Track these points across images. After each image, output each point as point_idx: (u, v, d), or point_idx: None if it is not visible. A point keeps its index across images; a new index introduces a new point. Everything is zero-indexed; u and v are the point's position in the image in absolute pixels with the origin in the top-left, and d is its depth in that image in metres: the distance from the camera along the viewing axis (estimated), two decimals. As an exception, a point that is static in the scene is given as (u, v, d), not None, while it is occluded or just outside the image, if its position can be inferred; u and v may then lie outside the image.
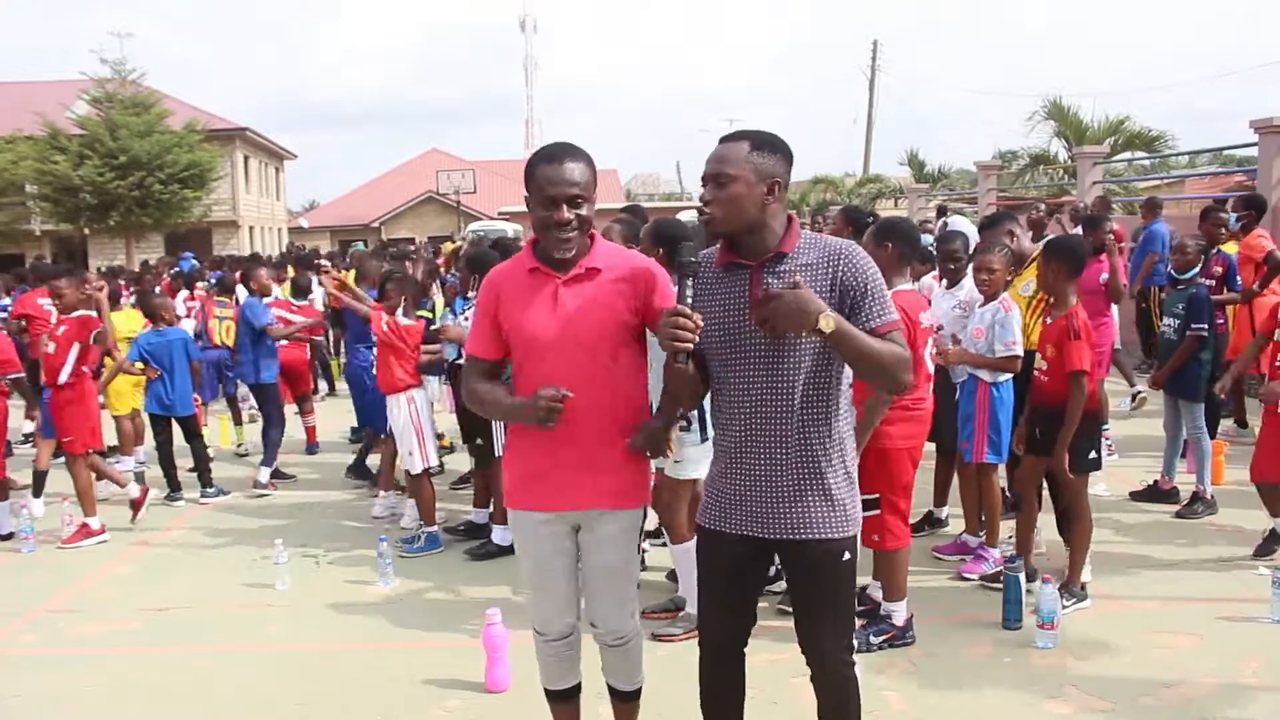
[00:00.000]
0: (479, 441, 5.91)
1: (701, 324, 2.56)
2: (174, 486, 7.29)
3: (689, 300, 2.57)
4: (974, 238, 6.55)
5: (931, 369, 4.62)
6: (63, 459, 6.70)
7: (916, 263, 4.52)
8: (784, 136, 2.66)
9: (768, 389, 2.62)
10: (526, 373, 2.92)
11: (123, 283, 12.36)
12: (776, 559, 3.09)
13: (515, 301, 2.91)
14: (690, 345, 2.54)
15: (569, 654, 3.17)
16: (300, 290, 9.57)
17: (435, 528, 5.96)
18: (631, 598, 3.10)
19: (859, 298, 2.59)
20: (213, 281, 13.45)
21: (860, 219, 5.81)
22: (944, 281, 5.76)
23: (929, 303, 5.02)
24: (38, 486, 6.89)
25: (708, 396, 2.90)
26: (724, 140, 2.68)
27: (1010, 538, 5.43)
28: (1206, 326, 5.99)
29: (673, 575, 5.04)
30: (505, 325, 2.93)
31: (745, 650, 2.91)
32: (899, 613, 4.38)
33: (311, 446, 8.74)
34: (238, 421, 9.09)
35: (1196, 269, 6.35)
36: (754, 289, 2.61)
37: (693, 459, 4.33)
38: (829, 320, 2.43)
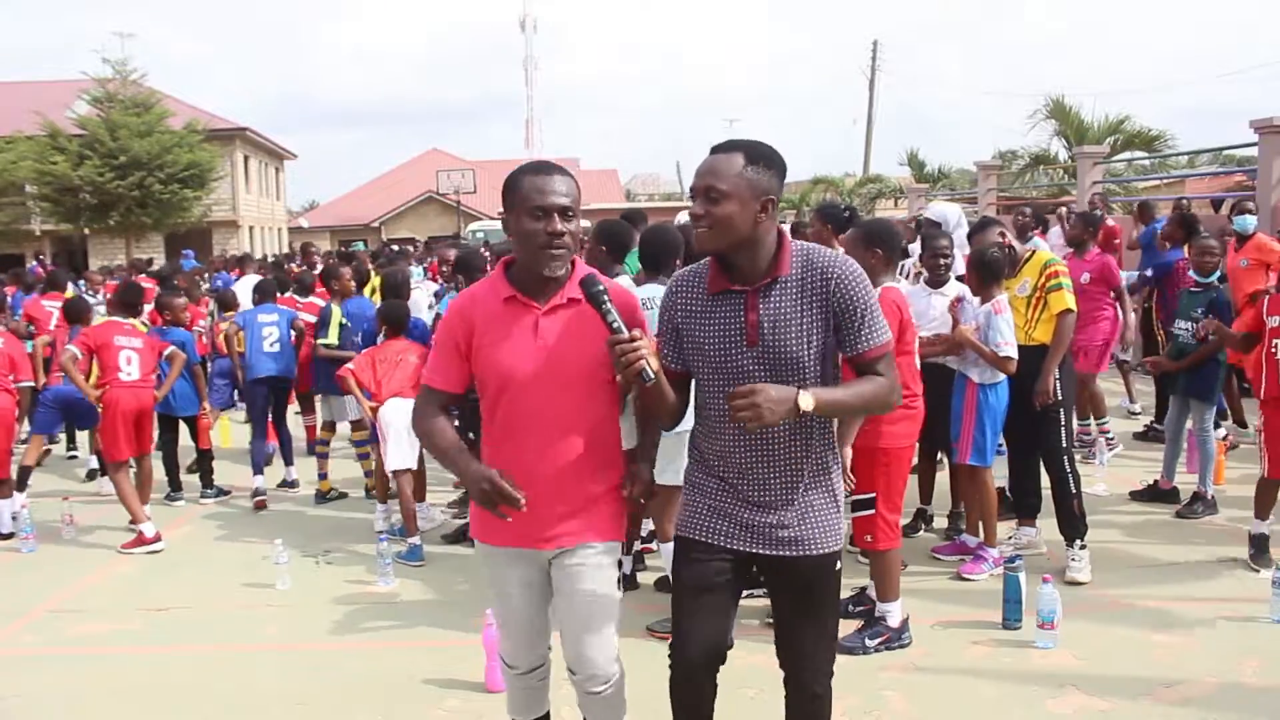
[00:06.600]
0: (471, 436, 5.86)
1: (640, 336, 2.49)
2: (175, 486, 7.30)
3: (617, 323, 2.52)
4: (953, 221, 6.54)
5: (918, 365, 4.59)
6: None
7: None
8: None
9: None
10: (500, 410, 2.73)
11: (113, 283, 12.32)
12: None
13: (490, 334, 2.69)
14: (643, 361, 2.46)
15: (539, 685, 3.05)
16: (304, 288, 9.56)
17: (416, 538, 5.79)
18: (610, 638, 2.81)
19: (851, 320, 2.54)
20: (217, 285, 13.46)
21: (838, 216, 5.72)
22: (923, 278, 5.72)
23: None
24: (20, 482, 6.71)
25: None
26: (716, 150, 2.53)
27: (1010, 538, 5.44)
28: None
29: (662, 583, 5.03)
30: (476, 360, 2.72)
31: (719, 672, 2.77)
32: (894, 614, 4.37)
33: (312, 446, 8.71)
34: None
35: (1218, 273, 6.27)
36: (749, 314, 2.55)
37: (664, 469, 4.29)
38: (807, 398, 2.42)
